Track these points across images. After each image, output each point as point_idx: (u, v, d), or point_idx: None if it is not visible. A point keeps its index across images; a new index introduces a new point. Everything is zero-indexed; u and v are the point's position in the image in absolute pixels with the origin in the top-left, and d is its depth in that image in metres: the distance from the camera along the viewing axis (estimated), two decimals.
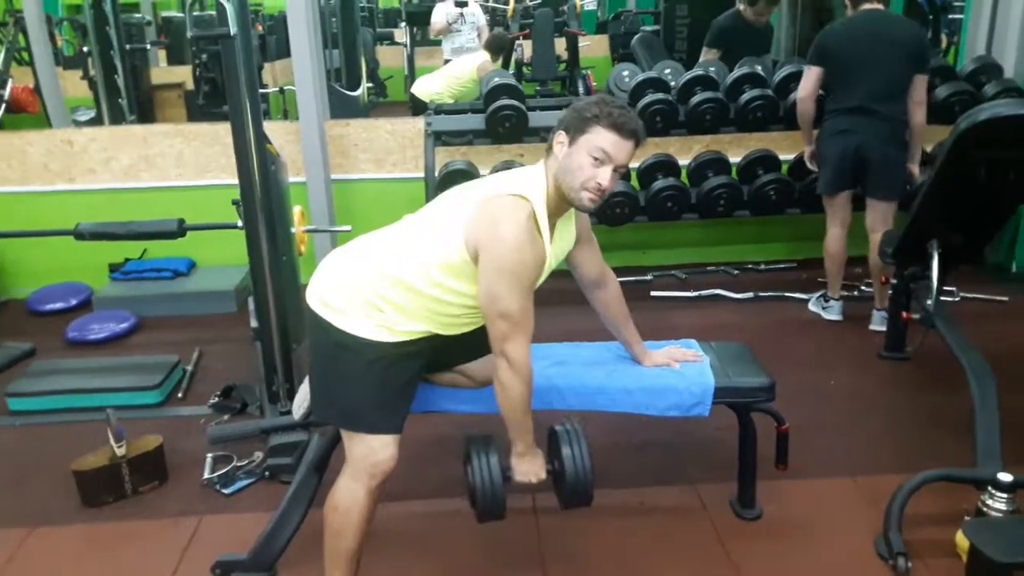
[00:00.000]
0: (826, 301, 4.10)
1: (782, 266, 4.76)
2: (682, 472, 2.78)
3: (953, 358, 2.83)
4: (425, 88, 6.45)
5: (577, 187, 1.95)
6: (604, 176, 1.94)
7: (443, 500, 2.65)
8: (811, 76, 3.81)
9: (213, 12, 2.78)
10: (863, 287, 4.31)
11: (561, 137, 1.99)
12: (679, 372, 2.36)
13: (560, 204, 2.03)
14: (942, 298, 3.09)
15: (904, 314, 3.42)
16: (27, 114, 6.61)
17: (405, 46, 9.48)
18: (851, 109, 3.69)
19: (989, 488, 2.32)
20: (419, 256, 1.96)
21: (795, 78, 4.31)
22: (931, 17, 7.00)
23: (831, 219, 3.97)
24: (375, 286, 1.97)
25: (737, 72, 4.42)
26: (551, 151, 2.02)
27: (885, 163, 3.70)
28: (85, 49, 6.32)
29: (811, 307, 4.19)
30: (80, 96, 6.68)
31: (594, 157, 1.93)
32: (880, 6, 3.69)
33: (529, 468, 2.06)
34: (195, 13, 2.75)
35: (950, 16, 7.57)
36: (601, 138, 1.93)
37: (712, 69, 4.51)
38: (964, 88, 4.23)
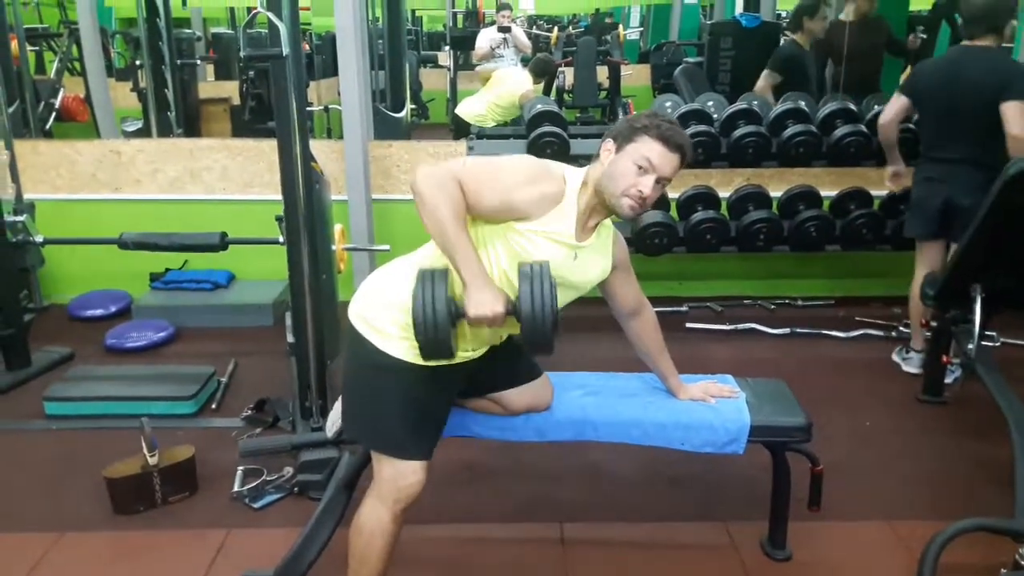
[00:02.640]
0: (906, 352, 3.92)
1: (820, 303, 4.71)
2: (712, 509, 2.75)
3: (992, 404, 2.77)
4: (469, 110, 6.50)
5: (619, 193, 1.96)
6: (647, 184, 1.95)
7: (468, 525, 2.65)
8: (896, 104, 3.68)
9: (265, 30, 2.82)
10: (901, 328, 4.26)
11: (609, 145, 2.01)
12: (715, 408, 2.34)
13: (596, 208, 2.02)
14: (983, 343, 3.04)
15: (944, 358, 3.37)
16: (76, 123, 6.77)
17: (448, 69, 9.58)
18: (939, 159, 3.57)
19: None
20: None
21: (839, 115, 4.30)
22: None
23: (918, 264, 3.79)
24: None
25: (781, 107, 4.40)
26: (597, 157, 2.03)
27: (974, 212, 3.36)
28: (137, 62, 6.45)
29: (894, 357, 3.99)
30: (128, 107, 6.82)
31: (639, 165, 1.94)
32: (986, 42, 3.44)
33: (483, 299, 1.83)
34: (248, 31, 2.79)
35: None
36: (647, 147, 1.95)
37: (755, 103, 4.50)
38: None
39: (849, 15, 5.38)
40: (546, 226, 1.94)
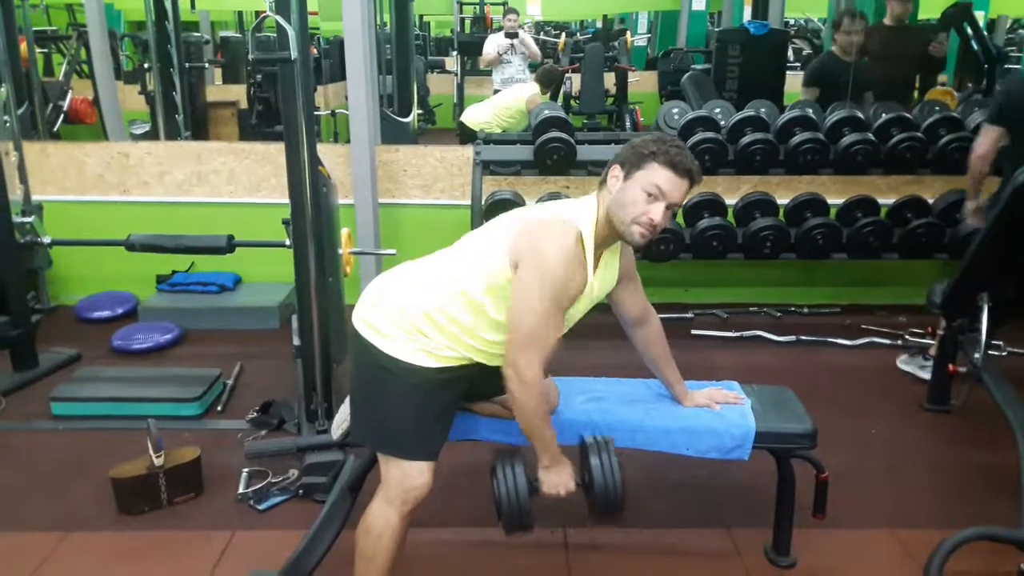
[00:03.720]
0: (925, 359, 3.85)
1: (826, 311, 4.70)
2: (717, 515, 2.75)
3: (998, 414, 2.77)
4: (474, 117, 6.51)
5: (629, 221, 1.96)
6: (657, 212, 1.95)
7: (475, 529, 2.65)
8: (989, 136, 3.49)
9: (274, 34, 2.83)
10: (907, 336, 4.25)
11: (616, 171, 2.00)
12: (720, 414, 2.34)
13: (608, 237, 2.03)
14: (990, 352, 3.04)
15: (951, 366, 3.36)
16: (84, 125, 6.80)
17: (455, 75, 9.60)
18: None
19: None
20: (465, 282, 1.97)
21: (846, 123, 4.30)
22: (986, 66, 6.93)
23: None
24: (421, 311, 1.98)
25: (788, 115, 4.41)
26: (605, 184, 2.03)
27: None
28: (145, 65, 6.47)
29: (902, 365, 3.97)
30: (136, 110, 6.84)
31: (648, 193, 1.94)
32: None
33: (557, 479, 2.01)
34: (257, 35, 2.80)
35: (1006, 66, 7.50)
36: (656, 175, 1.94)
37: (763, 111, 4.51)
38: None
39: (888, 20, 5.37)
40: (582, 293, 2.00)
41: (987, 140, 3.52)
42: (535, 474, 2.04)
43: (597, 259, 2.05)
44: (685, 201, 2.03)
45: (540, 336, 1.90)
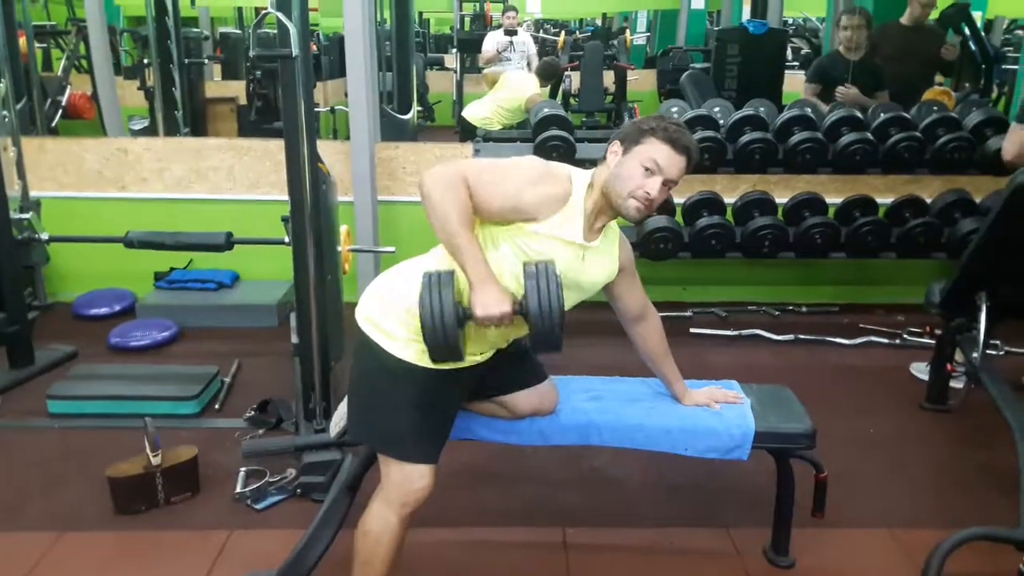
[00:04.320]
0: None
1: (824, 310, 4.71)
2: (716, 515, 2.74)
3: (996, 413, 2.77)
4: (475, 113, 6.51)
5: (625, 194, 1.96)
6: (653, 186, 1.95)
7: (473, 529, 2.65)
8: (1018, 136, 3.27)
9: (274, 30, 2.82)
10: (905, 335, 4.25)
11: (616, 147, 2.02)
12: (719, 414, 2.34)
13: (602, 209, 2.03)
14: (987, 352, 3.04)
15: (949, 366, 3.37)
16: (83, 120, 6.79)
17: (455, 72, 9.59)
18: None
19: None
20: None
21: (845, 123, 4.30)
22: (983, 67, 6.93)
23: None
24: None
25: (787, 114, 4.40)
26: (604, 160, 2.04)
27: None
28: (144, 60, 6.47)
29: (916, 373, 3.90)
30: (135, 106, 6.83)
31: (645, 167, 1.95)
32: None
33: (490, 299, 1.82)
34: (258, 31, 2.79)
35: (1003, 66, 7.51)
36: (655, 149, 1.95)
37: (762, 110, 4.50)
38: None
39: (905, 19, 5.37)
40: (553, 227, 1.94)
41: (1014, 142, 3.32)
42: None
43: (593, 231, 2.04)
44: (681, 179, 2.02)
45: (473, 164, 1.93)
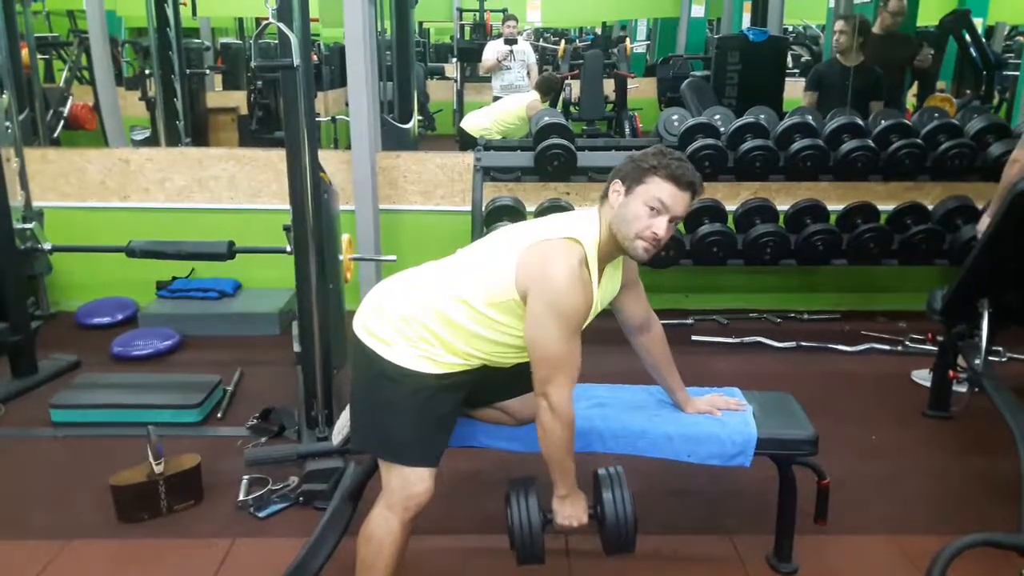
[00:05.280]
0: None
1: (826, 317, 4.71)
2: (718, 522, 2.74)
3: (998, 419, 2.77)
4: (474, 123, 6.52)
5: (632, 236, 1.96)
6: (660, 226, 1.95)
7: (477, 536, 2.64)
8: None
9: (275, 41, 2.84)
10: (907, 342, 4.25)
11: (617, 186, 2.00)
12: (721, 421, 2.34)
13: (611, 251, 2.04)
14: (989, 358, 3.04)
15: (951, 372, 3.37)
16: (85, 131, 6.80)
17: (455, 81, 9.61)
18: None
19: None
20: (468, 292, 1.97)
21: (846, 130, 4.31)
22: (984, 73, 6.95)
23: None
24: (422, 318, 1.99)
25: (787, 121, 4.42)
26: (606, 199, 2.03)
27: None
28: (146, 71, 6.48)
29: (917, 379, 3.90)
30: (137, 116, 6.84)
31: (650, 207, 1.94)
32: None
33: (571, 512, 2.04)
34: (259, 42, 2.81)
35: (1004, 73, 7.52)
36: (658, 188, 1.94)
37: (763, 117, 4.51)
38: None
39: (876, 28, 5.40)
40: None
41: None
42: (548, 504, 2.07)
43: (601, 272, 2.05)
44: (687, 213, 2.03)
45: (565, 364, 1.93)
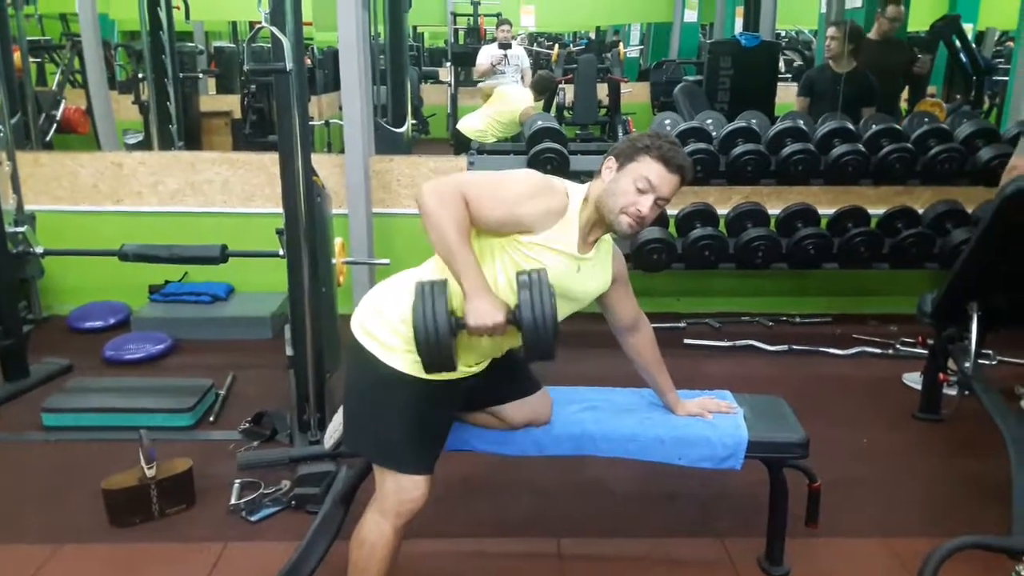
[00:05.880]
0: (1022, 386, 3.56)
1: (817, 320, 4.73)
2: (710, 525, 2.75)
3: (988, 422, 2.78)
4: (470, 125, 6.53)
5: (617, 211, 1.98)
6: (645, 204, 1.97)
7: (466, 540, 2.65)
8: None
9: (268, 45, 2.84)
10: (898, 345, 4.27)
11: (611, 163, 2.03)
12: (712, 423, 2.35)
13: (596, 223, 2.04)
14: (979, 361, 3.05)
15: (941, 375, 3.38)
16: (77, 135, 6.80)
17: (449, 85, 9.62)
18: None
19: None
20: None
21: (838, 134, 4.33)
22: (974, 78, 6.99)
23: None
24: None
25: (779, 126, 4.43)
26: (599, 175, 2.05)
27: None
28: (139, 75, 6.48)
29: (908, 382, 3.91)
30: (129, 120, 6.83)
31: (638, 186, 1.97)
32: None
33: (484, 310, 1.83)
34: (252, 45, 2.82)
35: (994, 78, 7.57)
36: (648, 168, 1.97)
37: (755, 121, 4.53)
38: (1007, 151, 4.20)
39: (873, 34, 5.43)
40: (550, 239, 1.96)
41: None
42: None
43: (587, 244, 2.06)
44: (674, 196, 2.04)
45: (470, 179, 1.94)
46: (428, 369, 1.88)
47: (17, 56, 5.79)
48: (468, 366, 2.04)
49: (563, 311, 1.97)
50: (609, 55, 9.80)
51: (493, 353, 2.10)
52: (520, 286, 1.86)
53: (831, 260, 4.36)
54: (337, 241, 3.20)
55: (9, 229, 3.73)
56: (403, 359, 1.97)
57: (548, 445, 2.33)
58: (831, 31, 5.17)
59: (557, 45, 12.21)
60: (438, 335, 1.81)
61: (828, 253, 4.32)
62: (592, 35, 14.73)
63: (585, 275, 2.06)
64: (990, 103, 7.44)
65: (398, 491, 2.00)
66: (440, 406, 2.04)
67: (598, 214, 2.02)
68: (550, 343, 1.86)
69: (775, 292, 4.83)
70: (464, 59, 9.51)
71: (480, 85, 7.97)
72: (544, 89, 6.81)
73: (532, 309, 1.83)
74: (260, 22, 2.76)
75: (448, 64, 9.98)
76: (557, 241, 1.97)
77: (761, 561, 2.53)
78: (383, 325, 2.01)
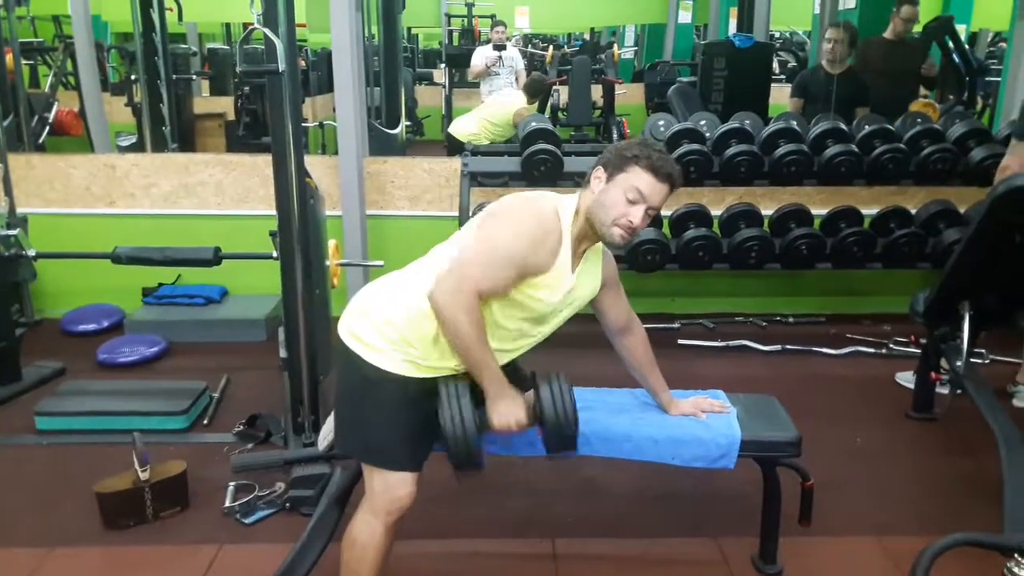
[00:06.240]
0: (1014, 385, 3.68)
1: (811, 320, 4.73)
2: (703, 524, 2.75)
3: (981, 421, 2.79)
4: (462, 128, 6.53)
5: (608, 222, 1.98)
6: (636, 215, 1.97)
7: (461, 540, 2.65)
8: (1019, 155, 3.23)
9: (261, 46, 2.84)
10: (891, 345, 4.28)
11: (599, 173, 2.03)
12: (705, 423, 2.35)
13: (586, 233, 2.05)
14: (971, 360, 3.06)
15: (933, 374, 3.39)
16: (70, 137, 6.78)
17: (443, 87, 9.62)
18: None
19: (1016, 556, 2.27)
20: None
21: (830, 135, 4.34)
22: (967, 79, 7.00)
23: None
24: (407, 322, 1.99)
25: (772, 127, 4.44)
26: (588, 184, 2.06)
27: None
28: (132, 77, 6.46)
29: (901, 381, 3.91)
30: (123, 122, 6.82)
31: (628, 197, 1.97)
32: None
33: (507, 410, 1.95)
34: (245, 47, 2.80)
35: (987, 78, 7.58)
36: (638, 178, 1.97)
37: (748, 122, 4.54)
38: (1000, 151, 4.20)
39: (887, 34, 5.42)
40: (551, 275, 1.99)
41: (1019, 159, 3.28)
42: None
43: (577, 256, 2.06)
44: (664, 204, 2.05)
45: (479, 265, 1.91)
46: (457, 466, 2.00)
47: (9, 58, 5.79)
48: (456, 369, 2.05)
49: (559, 321, 2.09)
50: (604, 56, 9.78)
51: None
52: (539, 382, 2.00)
53: (824, 260, 4.37)
54: (331, 243, 3.20)
55: (1, 232, 3.71)
56: (386, 358, 1.99)
57: (542, 445, 2.33)
58: (832, 33, 5.12)
59: (552, 46, 12.21)
60: (466, 435, 1.93)
61: (821, 253, 4.32)
62: (587, 36, 14.73)
63: (576, 290, 2.08)
64: (983, 104, 7.46)
65: (387, 490, 2.00)
66: (428, 404, 2.04)
67: (588, 225, 2.03)
68: (572, 437, 2.01)
69: (769, 292, 4.84)
70: (458, 61, 9.51)
71: (482, 97, 7.93)
72: (537, 92, 6.81)
73: (554, 405, 1.96)
74: (253, 23, 2.75)
75: (442, 66, 9.98)
76: (557, 275, 2.00)
77: (755, 560, 2.53)
78: (367, 326, 2.02)
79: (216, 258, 3.47)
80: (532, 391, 2.02)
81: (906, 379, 3.85)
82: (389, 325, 1.98)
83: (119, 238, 3.74)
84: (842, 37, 5.05)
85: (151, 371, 4.04)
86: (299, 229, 2.88)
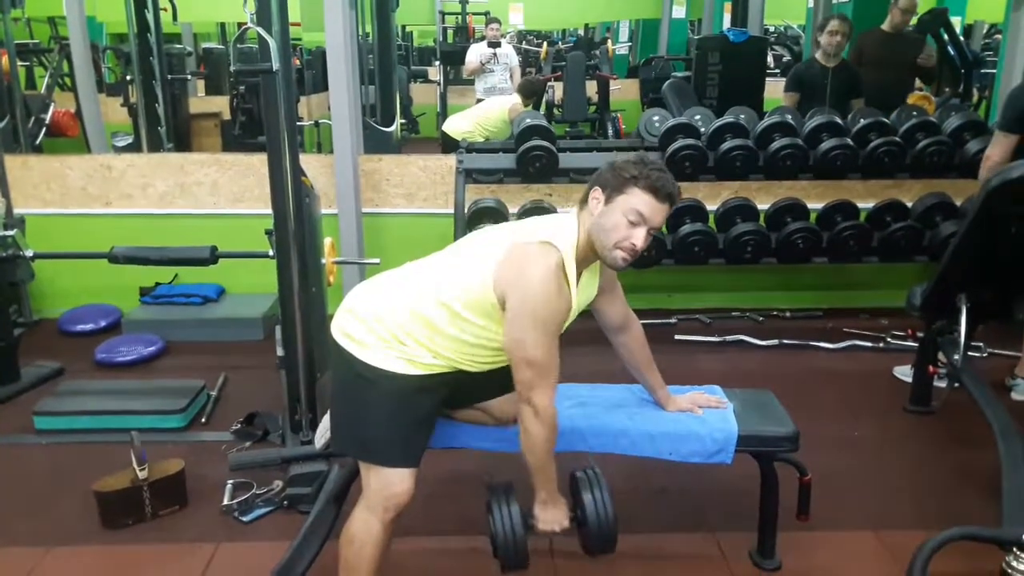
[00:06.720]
0: (1012, 378, 3.66)
1: (807, 315, 4.73)
2: (701, 519, 2.76)
3: (978, 414, 2.80)
4: (456, 126, 6.52)
5: (611, 246, 1.98)
6: (638, 237, 1.97)
7: (459, 537, 2.64)
8: (1004, 144, 3.28)
9: (255, 45, 2.84)
10: (889, 339, 4.29)
11: (597, 194, 2.01)
12: (702, 419, 2.35)
13: (588, 255, 2.05)
14: (969, 353, 3.07)
15: (930, 368, 3.40)
16: (66, 138, 6.77)
17: (438, 84, 9.62)
18: None
19: (1014, 549, 2.28)
20: (445, 294, 1.98)
21: (825, 128, 4.34)
22: (962, 71, 7.00)
23: None
24: (399, 320, 2.00)
25: (767, 121, 4.44)
26: (586, 204, 2.04)
27: None
28: (127, 77, 6.46)
29: (898, 375, 3.91)
30: (118, 122, 6.82)
31: (629, 219, 1.96)
32: None
33: (552, 517, 2.07)
34: (238, 46, 2.81)
35: (982, 70, 7.59)
36: (638, 200, 1.96)
37: (743, 117, 4.54)
38: None
39: (885, 26, 5.41)
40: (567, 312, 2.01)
41: (998, 150, 3.35)
42: (528, 508, 2.09)
43: (579, 277, 2.06)
44: (664, 223, 2.06)
45: (546, 367, 1.95)
46: (505, 569, 2.10)
47: (5, 60, 5.79)
48: (446, 368, 2.05)
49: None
50: (598, 52, 9.80)
51: (488, 365, 2.13)
52: (579, 485, 2.13)
53: (821, 254, 4.38)
54: (327, 241, 3.20)
55: None
56: (378, 355, 1.99)
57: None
58: (835, 25, 5.01)
59: (546, 43, 12.21)
60: (515, 536, 2.04)
61: (818, 247, 4.33)
62: (581, 32, 14.73)
63: (576, 299, 2.07)
64: (979, 96, 7.47)
65: (383, 486, 2.01)
66: (422, 401, 2.05)
67: (589, 248, 2.03)
68: (612, 539, 2.11)
69: (765, 287, 4.84)
70: (453, 58, 9.51)
71: (477, 98, 7.92)
72: (532, 93, 6.80)
73: (596, 509, 2.08)
74: (247, 23, 2.75)
75: (437, 63, 9.97)
76: (569, 310, 2.02)
77: (753, 555, 2.54)
78: (359, 324, 2.03)
79: (213, 257, 3.46)
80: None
81: (904, 373, 3.86)
82: (380, 322, 1.99)
83: (116, 238, 3.73)
84: (845, 29, 5.03)
85: (149, 370, 4.05)
86: (295, 228, 2.88)
